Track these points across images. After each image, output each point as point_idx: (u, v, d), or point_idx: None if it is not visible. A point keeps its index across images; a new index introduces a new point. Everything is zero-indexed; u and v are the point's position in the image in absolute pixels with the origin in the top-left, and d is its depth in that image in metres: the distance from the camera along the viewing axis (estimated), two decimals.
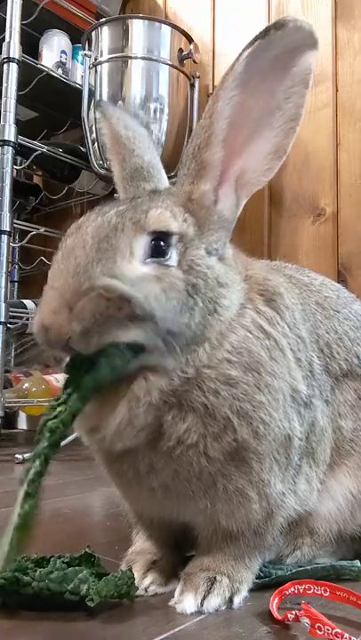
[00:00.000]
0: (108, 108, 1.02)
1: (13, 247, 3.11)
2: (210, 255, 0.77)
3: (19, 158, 2.70)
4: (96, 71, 2.46)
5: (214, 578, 0.80)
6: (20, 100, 2.40)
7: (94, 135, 2.48)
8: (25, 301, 2.67)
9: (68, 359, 0.71)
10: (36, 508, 0.67)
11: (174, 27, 2.47)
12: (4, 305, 2.21)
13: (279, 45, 0.73)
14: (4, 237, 2.24)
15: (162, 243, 0.73)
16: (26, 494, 0.67)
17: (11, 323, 2.26)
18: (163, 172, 0.96)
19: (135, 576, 0.79)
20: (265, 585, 0.84)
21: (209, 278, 0.75)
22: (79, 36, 2.62)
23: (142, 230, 0.72)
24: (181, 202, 0.78)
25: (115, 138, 0.96)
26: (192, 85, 2.54)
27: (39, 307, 0.70)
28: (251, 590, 0.83)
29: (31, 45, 2.69)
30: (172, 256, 0.73)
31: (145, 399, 0.71)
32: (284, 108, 0.78)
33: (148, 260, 0.72)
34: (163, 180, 0.95)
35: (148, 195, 0.81)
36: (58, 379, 2.54)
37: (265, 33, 0.72)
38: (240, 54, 0.73)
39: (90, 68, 2.48)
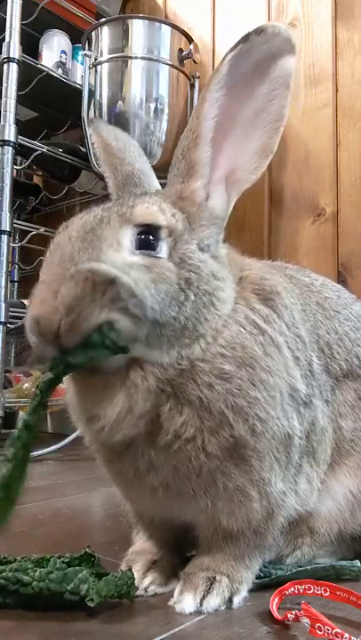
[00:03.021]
0: (99, 123, 1.07)
1: (13, 247, 3.10)
2: (202, 251, 0.77)
3: (19, 158, 2.69)
4: (96, 71, 2.46)
5: (214, 578, 0.80)
6: (20, 100, 2.40)
7: None
8: (25, 301, 2.66)
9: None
10: (16, 472, 0.68)
11: (174, 27, 2.47)
12: (3, 305, 2.20)
13: (260, 50, 0.75)
14: (4, 237, 2.24)
15: (151, 236, 0.73)
16: (5, 459, 0.68)
17: (11, 323, 2.25)
18: (154, 178, 0.98)
19: (135, 576, 0.79)
20: (265, 585, 0.84)
21: (203, 272, 0.75)
22: (79, 36, 2.62)
23: (128, 222, 0.73)
24: (171, 199, 0.79)
25: (106, 149, 0.99)
26: (192, 85, 2.53)
27: (30, 301, 0.70)
28: (251, 590, 0.83)
29: (31, 45, 2.68)
30: (163, 249, 0.74)
31: (143, 385, 0.71)
32: (268, 109, 0.80)
33: (137, 251, 0.72)
34: (154, 186, 0.96)
35: (137, 195, 0.82)
36: None
37: (246, 38, 0.74)
38: (224, 58, 0.75)
39: (90, 68, 2.48)
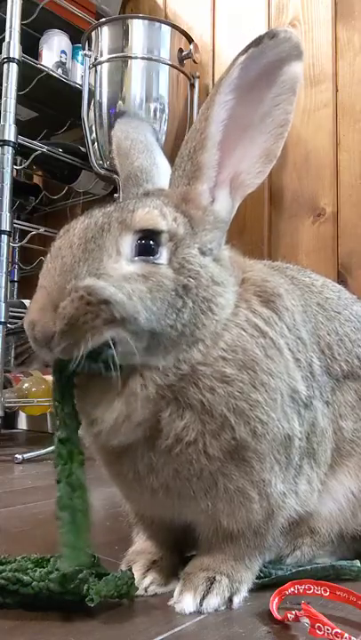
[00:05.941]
0: (119, 122, 1.07)
1: (13, 247, 3.10)
2: (204, 255, 0.77)
3: (19, 158, 2.69)
4: (96, 71, 2.45)
5: (214, 578, 0.80)
6: (20, 100, 2.40)
7: (94, 135, 2.48)
8: (25, 301, 2.66)
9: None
10: (73, 490, 0.72)
11: (174, 27, 2.47)
12: (3, 305, 2.21)
13: (270, 54, 0.76)
14: (4, 237, 2.24)
15: (151, 242, 0.73)
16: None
17: (11, 323, 2.26)
18: (156, 173, 0.97)
19: (135, 576, 0.79)
20: (265, 585, 0.84)
21: (202, 277, 0.75)
22: (79, 36, 2.62)
23: (128, 229, 0.73)
24: (174, 202, 0.79)
25: (118, 151, 1.01)
26: (192, 85, 2.53)
27: (29, 305, 0.71)
28: (251, 590, 0.83)
29: (31, 45, 2.68)
30: (163, 254, 0.74)
31: (142, 393, 0.71)
32: (273, 114, 0.80)
33: (136, 258, 0.72)
34: (155, 184, 0.95)
35: (138, 196, 0.82)
36: None
37: (258, 41, 0.74)
38: (234, 60, 0.75)
39: (90, 68, 2.47)
